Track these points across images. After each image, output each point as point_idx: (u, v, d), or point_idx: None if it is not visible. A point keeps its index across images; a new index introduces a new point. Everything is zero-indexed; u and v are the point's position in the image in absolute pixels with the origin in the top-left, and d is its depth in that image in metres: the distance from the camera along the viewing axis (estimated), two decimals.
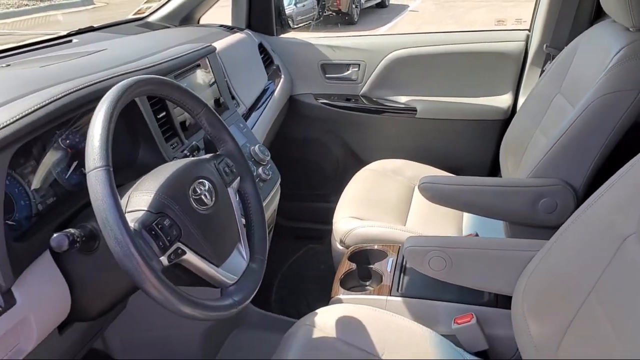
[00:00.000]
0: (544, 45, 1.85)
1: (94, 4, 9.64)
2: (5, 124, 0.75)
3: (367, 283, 1.30)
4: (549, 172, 1.27)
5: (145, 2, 2.00)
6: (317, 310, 1.14)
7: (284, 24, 2.24)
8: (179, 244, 0.78)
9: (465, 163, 2.08)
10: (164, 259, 0.76)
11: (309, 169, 2.30)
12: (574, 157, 1.25)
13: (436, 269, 1.13)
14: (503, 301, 1.15)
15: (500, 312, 1.14)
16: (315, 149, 2.25)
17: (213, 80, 1.43)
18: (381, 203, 1.62)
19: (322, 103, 2.15)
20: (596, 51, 1.34)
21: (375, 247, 1.39)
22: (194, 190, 0.85)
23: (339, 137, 2.21)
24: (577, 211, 0.94)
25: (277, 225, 1.77)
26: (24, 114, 0.78)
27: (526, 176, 1.31)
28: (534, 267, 1.01)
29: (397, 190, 1.70)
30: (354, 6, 7.96)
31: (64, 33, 1.63)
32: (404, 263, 1.30)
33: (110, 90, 0.77)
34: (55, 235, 0.74)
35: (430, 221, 1.56)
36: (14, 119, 0.76)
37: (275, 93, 1.91)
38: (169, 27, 1.91)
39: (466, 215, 1.61)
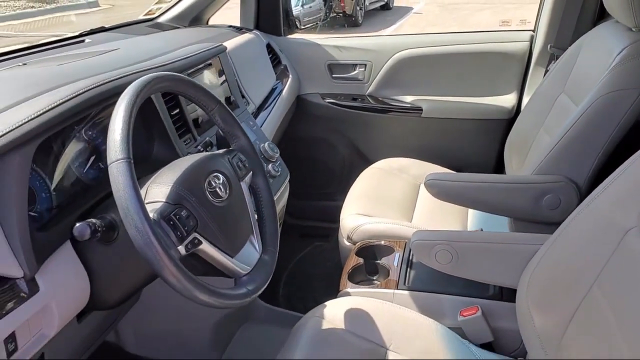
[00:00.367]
0: (548, 46, 1.87)
1: (99, 6, 9.70)
2: (30, 118, 0.78)
3: (375, 277, 1.33)
4: (552, 169, 1.29)
5: (155, 3, 2.04)
6: (326, 303, 1.17)
7: (291, 25, 2.27)
8: (196, 234, 0.81)
9: (470, 162, 2.10)
10: (181, 249, 0.79)
11: (316, 168, 2.32)
12: (577, 155, 1.27)
13: (442, 262, 1.16)
14: (508, 294, 1.17)
15: (505, 305, 1.16)
16: (322, 148, 2.28)
17: (224, 79, 1.46)
18: (388, 200, 1.65)
19: (329, 102, 2.18)
20: (599, 51, 1.36)
21: (382, 242, 1.42)
22: (209, 184, 0.88)
23: (345, 136, 2.24)
24: (580, 206, 0.97)
25: (284, 223, 1.81)
26: (47, 108, 0.81)
27: (530, 173, 1.34)
28: (538, 261, 1.03)
29: (403, 188, 1.73)
30: (358, 8, 7.98)
31: (77, 33, 1.67)
32: (411, 258, 1.33)
33: (130, 86, 0.81)
34: (77, 224, 0.77)
35: (436, 218, 1.58)
36: (38, 113, 0.79)
37: (283, 92, 1.94)
38: (178, 28, 1.94)
39: (471, 212, 1.63)
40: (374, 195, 1.67)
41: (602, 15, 1.75)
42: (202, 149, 1.11)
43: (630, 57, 1.21)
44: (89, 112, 0.93)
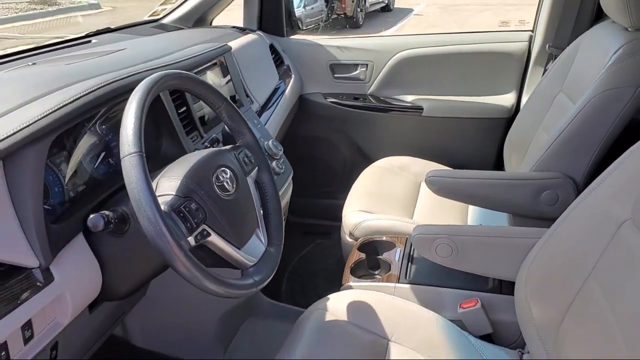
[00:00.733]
0: (547, 46, 1.90)
1: (101, 8, 9.74)
2: (44, 114, 0.81)
3: (376, 272, 1.35)
4: (550, 165, 1.32)
5: (160, 4, 2.07)
6: (329, 296, 1.20)
7: (293, 26, 2.30)
8: (205, 226, 0.84)
9: (470, 160, 2.12)
10: (191, 240, 0.82)
11: (318, 166, 2.35)
12: (575, 152, 1.30)
13: (443, 255, 1.19)
14: (507, 288, 1.20)
15: (504, 298, 1.18)
16: (324, 147, 2.31)
17: (229, 78, 1.49)
18: (389, 197, 1.67)
19: (331, 102, 2.21)
20: (596, 50, 1.39)
21: (384, 238, 1.44)
22: (217, 178, 0.91)
23: (347, 135, 2.27)
24: (577, 200, 0.99)
25: (286, 221, 1.83)
26: (60, 105, 0.84)
27: (529, 170, 1.36)
28: (535, 254, 1.05)
29: (404, 186, 1.76)
30: (359, 10, 8.03)
31: (83, 34, 1.70)
32: (412, 253, 1.35)
33: (142, 83, 0.83)
34: (91, 216, 0.80)
35: (437, 214, 1.61)
36: (53, 109, 0.82)
37: (286, 92, 1.97)
38: (182, 29, 1.97)
39: (471, 209, 1.66)
40: (375, 193, 1.69)
41: (599, 15, 1.77)
42: (209, 146, 1.14)
43: (626, 56, 1.24)
44: (100, 109, 0.96)
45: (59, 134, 0.85)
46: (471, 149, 2.13)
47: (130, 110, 0.79)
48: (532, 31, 2.03)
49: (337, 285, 1.35)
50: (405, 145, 2.16)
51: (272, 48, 2.11)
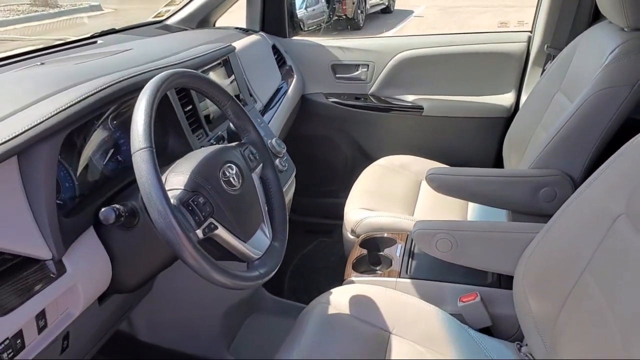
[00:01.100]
0: (545, 46, 1.93)
1: (102, 10, 9.75)
2: (57, 111, 0.83)
3: (378, 268, 1.38)
4: (549, 163, 1.35)
5: (165, 6, 2.10)
6: (331, 290, 1.22)
7: (295, 27, 2.32)
8: (212, 220, 0.87)
9: (470, 159, 2.15)
10: (199, 232, 0.84)
11: (320, 166, 2.38)
12: (572, 149, 1.32)
13: (443, 250, 1.22)
14: (506, 282, 1.22)
15: (503, 292, 1.21)
16: (326, 146, 2.33)
17: (233, 77, 1.52)
18: (390, 196, 1.70)
19: (332, 102, 2.24)
20: (593, 50, 1.42)
21: (385, 235, 1.47)
22: (224, 173, 0.93)
23: (348, 134, 2.29)
24: (573, 195, 1.02)
25: (289, 219, 1.85)
26: (73, 102, 0.86)
27: (527, 168, 1.39)
28: (533, 249, 1.08)
29: (404, 184, 1.78)
30: (359, 11, 8.06)
31: (89, 35, 1.72)
32: (412, 249, 1.38)
33: (151, 81, 0.86)
34: (103, 209, 0.83)
35: (437, 212, 1.64)
36: (66, 106, 0.85)
37: (289, 92, 1.99)
38: (186, 30, 1.99)
39: (471, 206, 1.68)
40: (376, 191, 1.72)
41: (596, 16, 1.79)
42: (214, 143, 1.17)
43: (622, 56, 1.27)
44: (109, 107, 0.99)
45: (70, 131, 0.87)
46: (471, 148, 2.16)
47: (140, 107, 0.82)
48: (531, 32, 2.05)
49: (339, 281, 1.37)
50: (406, 144, 2.19)
51: (275, 48, 2.13)
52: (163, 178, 0.89)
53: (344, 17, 7.64)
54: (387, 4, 9.81)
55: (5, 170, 0.76)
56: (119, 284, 0.94)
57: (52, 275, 0.80)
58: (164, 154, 1.14)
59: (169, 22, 2.02)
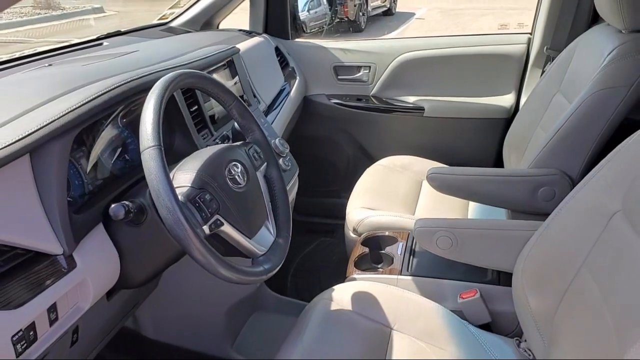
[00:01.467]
0: (545, 48, 1.95)
1: (105, 12, 9.78)
2: (69, 110, 0.86)
3: (379, 266, 1.40)
4: (547, 162, 1.37)
5: (169, 8, 2.12)
6: (334, 287, 1.24)
7: (298, 29, 2.36)
8: (218, 216, 0.89)
9: (471, 159, 2.17)
10: (205, 228, 0.86)
11: (322, 166, 2.40)
12: (571, 149, 1.34)
13: (443, 247, 1.24)
14: (505, 279, 1.24)
15: (502, 289, 1.23)
16: (328, 147, 2.36)
17: (237, 79, 1.54)
18: (391, 195, 1.72)
19: (334, 103, 2.26)
20: (592, 52, 1.44)
21: (387, 233, 1.49)
22: (229, 171, 0.96)
23: (350, 135, 2.31)
24: (571, 193, 1.04)
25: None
26: (84, 102, 0.89)
27: (527, 167, 1.41)
28: (531, 246, 1.10)
29: (406, 184, 1.80)
30: (361, 14, 8.08)
31: (94, 37, 1.75)
32: (413, 247, 1.40)
33: (159, 81, 0.89)
34: (113, 205, 0.85)
35: (437, 211, 1.66)
36: (76, 105, 0.87)
37: (291, 93, 2.02)
38: (190, 32, 2.02)
39: (471, 205, 1.70)
40: (378, 191, 1.74)
41: (595, 19, 1.81)
42: (219, 142, 1.19)
43: (620, 57, 1.29)
44: (118, 107, 1.01)
45: (79, 131, 0.90)
46: (471, 148, 2.18)
47: (149, 106, 0.84)
48: (531, 34, 2.08)
49: (341, 280, 1.39)
50: (407, 145, 2.21)
51: (278, 50, 2.16)
52: (170, 175, 0.91)
53: (346, 19, 7.66)
54: (388, 6, 9.84)
55: (18, 167, 0.78)
56: (126, 279, 0.96)
57: (63, 269, 0.82)
58: (171, 153, 1.16)
59: (173, 24, 2.04)
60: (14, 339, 0.72)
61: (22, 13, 9.05)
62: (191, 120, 1.19)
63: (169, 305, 1.49)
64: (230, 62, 1.53)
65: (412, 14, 10.19)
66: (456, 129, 2.16)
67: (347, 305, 1.18)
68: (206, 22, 2.08)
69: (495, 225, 1.23)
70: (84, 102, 0.89)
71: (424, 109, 2.17)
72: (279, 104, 1.88)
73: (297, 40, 2.34)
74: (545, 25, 1.94)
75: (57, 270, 0.81)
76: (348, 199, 1.74)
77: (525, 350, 1.11)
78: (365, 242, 1.47)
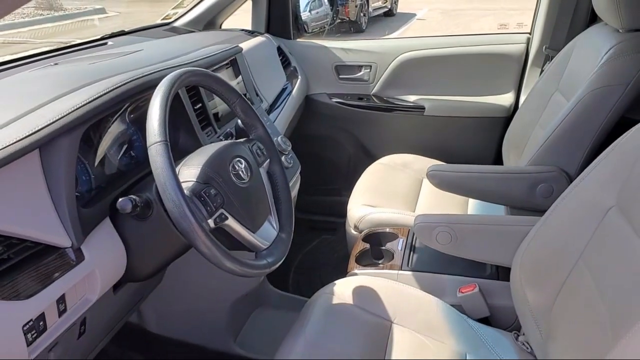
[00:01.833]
0: (544, 47, 1.97)
1: (107, 13, 9.81)
2: (77, 106, 0.88)
3: (380, 261, 1.42)
4: (546, 160, 1.38)
5: (172, 8, 2.15)
6: (335, 282, 1.26)
7: (300, 29, 2.38)
8: (223, 210, 0.91)
9: (470, 158, 2.19)
10: (210, 222, 0.89)
11: (323, 164, 2.42)
12: (569, 146, 1.36)
13: (443, 242, 1.26)
14: (503, 274, 1.27)
15: (501, 284, 1.25)
16: (329, 146, 2.38)
17: (240, 77, 1.56)
18: (392, 193, 1.74)
19: (336, 102, 2.28)
20: (590, 51, 1.45)
21: (387, 230, 1.51)
22: (233, 167, 0.98)
23: (351, 134, 2.34)
24: (567, 189, 1.06)
25: None
26: (91, 99, 0.91)
27: (526, 165, 1.43)
28: (529, 241, 1.12)
29: (406, 182, 1.82)
30: (362, 14, 8.10)
31: (100, 36, 1.77)
32: (414, 243, 1.42)
33: (165, 79, 0.91)
34: (120, 199, 0.87)
35: (437, 208, 1.68)
36: (85, 102, 0.89)
37: (293, 92, 2.04)
38: (193, 32, 2.04)
39: (470, 203, 1.72)
40: (379, 189, 1.76)
41: (593, 18, 1.83)
42: (223, 139, 1.21)
43: (617, 56, 1.31)
44: (124, 104, 1.04)
45: (87, 127, 0.92)
46: (471, 147, 2.20)
47: (155, 103, 0.86)
48: (530, 34, 2.10)
49: (342, 276, 1.41)
50: (407, 143, 2.23)
51: (280, 50, 2.18)
52: (176, 170, 0.94)
53: (347, 19, 7.68)
54: (389, 7, 9.85)
55: (28, 163, 0.81)
56: (133, 272, 0.98)
57: (71, 262, 0.84)
58: (175, 150, 1.19)
59: (176, 24, 2.07)
60: (25, 328, 0.74)
61: (25, 14, 9.07)
62: (195, 118, 1.21)
63: (173, 300, 1.51)
64: (233, 61, 1.56)
65: (414, 15, 10.19)
66: (456, 128, 2.17)
67: (348, 299, 1.20)
68: (209, 22, 2.10)
69: (494, 220, 1.25)
70: (91, 99, 0.91)
71: (424, 108, 2.18)
72: (281, 103, 1.90)
73: (298, 40, 2.36)
74: (544, 25, 1.96)
75: (66, 263, 0.84)
76: (349, 197, 1.76)
77: (523, 344, 1.13)
78: (366, 239, 1.49)
